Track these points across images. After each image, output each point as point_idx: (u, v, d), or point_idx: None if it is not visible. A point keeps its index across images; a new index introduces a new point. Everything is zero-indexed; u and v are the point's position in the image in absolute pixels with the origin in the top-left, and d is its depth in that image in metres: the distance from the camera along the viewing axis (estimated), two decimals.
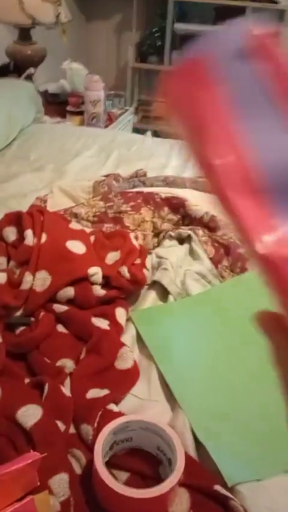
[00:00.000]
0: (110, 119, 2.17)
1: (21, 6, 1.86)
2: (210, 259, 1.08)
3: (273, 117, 0.20)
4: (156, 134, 2.62)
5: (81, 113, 2.07)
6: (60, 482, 0.62)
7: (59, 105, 2.17)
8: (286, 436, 0.73)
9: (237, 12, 2.86)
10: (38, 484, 0.60)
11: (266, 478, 0.67)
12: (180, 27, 3.01)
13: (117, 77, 3.28)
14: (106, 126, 2.10)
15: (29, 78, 2.06)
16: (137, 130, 2.67)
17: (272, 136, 0.20)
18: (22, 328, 0.92)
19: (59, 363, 0.84)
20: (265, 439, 0.74)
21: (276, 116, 0.20)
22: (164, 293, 1.03)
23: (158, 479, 0.67)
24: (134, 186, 1.29)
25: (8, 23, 1.98)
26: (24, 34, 2.04)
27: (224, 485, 0.66)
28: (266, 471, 0.68)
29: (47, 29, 2.03)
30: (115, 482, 0.59)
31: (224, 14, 2.97)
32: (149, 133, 2.65)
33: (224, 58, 0.22)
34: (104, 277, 0.98)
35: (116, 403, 0.79)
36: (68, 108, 2.11)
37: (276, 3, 2.74)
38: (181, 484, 0.64)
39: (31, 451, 0.64)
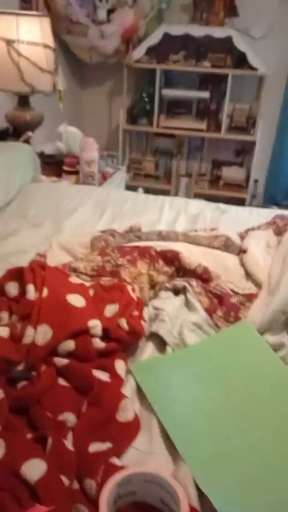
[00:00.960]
0: (104, 178, 2.28)
1: (21, 76, 2.00)
2: (205, 309, 1.12)
3: None
4: (147, 191, 2.74)
5: (76, 173, 2.18)
6: None
7: (55, 165, 2.29)
8: None
9: (219, 78, 3.10)
10: None
11: None
12: (167, 93, 3.23)
13: (109, 138, 3.47)
14: (100, 184, 2.20)
15: (27, 141, 2.18)
16: (129, 187, 2.79)
17: None
18: (24, 382, 0.93)
19: (60, 417, 0.85)
20: (268, 487, 0.74)
21: None
22: (161, 344, 1.05)
23: None
24: (130, 241, 1.35)
25: (9, 91, 2.12)
26: (23, 101, 2.18)
27: None
28: None
29: (45, 96, 2.17)
30: None
31: (207, 80, 3.21)
32: (140, 189, 2.77)
33: None
34: (103, 329, 1.01)
35: (118, 456, 0.79)
36: (64, 167, 2.22)
37: (256, 70, 2.96)
38: None
39: (36, 504, 0.64)
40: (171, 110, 3.34)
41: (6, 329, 0.99)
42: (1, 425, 0.79)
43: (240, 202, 3.11)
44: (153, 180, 3.49)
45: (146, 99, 3.27)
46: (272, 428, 0.85)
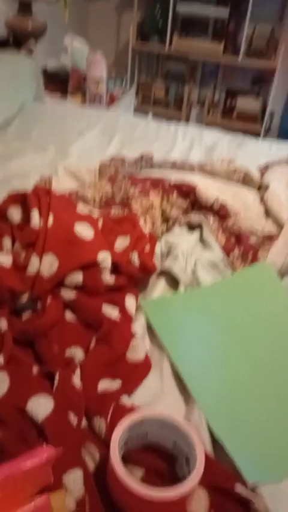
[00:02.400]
0: (112, 100, 2.11)
1: None
2: (222, 248, 1.05)
3: None
4: (156, 117, 2.56)
5: (82, 92, 2.00)
6: (74, 479, 0.59)
7: (59, 82, 2.10)
8: None
9: None
10: (52, 481, 0.56)
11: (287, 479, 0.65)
12: (183, 8, 2.93)
13: (116, 57, 3.19)
14: (108, 107, 2.03)
15: (29, 52, 1.98)
16: (137, 113, 2.60)
17: None
18: (28, 314, 0.88)
19: (68, 352, 0.81)
20: (283, 436, 0.71)
21: None
22: (173, 282, 1.00)
23: (174, 477, 0.65)
24: (142, 170, 1.24)
25: None
26: (25, 7, 1.95)
27: (244, 484, 0.63)
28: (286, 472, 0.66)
29: (48, 5, 1.94)
30: (134, 482, 0.56)
31: None
32: (150, 115, 2.59)
33: None
34: (113, 263, 0.94)
35: (129, 395, 0.76)
36: (69, 87, 2.04)
37: None
38: (199, 482, 0.61)
39: (44, 445, 0.61)
40: (185, 29, 3.05)
41: (10, 257, 0.92)
42: (5, 358, 0.75)
43: (253, 135, 2.94)
44: (162, 107, 3.27)
45: (158, 15, 2.97)
46: (286, 375, 0.82)
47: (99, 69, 1.88)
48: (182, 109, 3.22)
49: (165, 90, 3.26)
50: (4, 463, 0.51)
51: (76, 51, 2.06)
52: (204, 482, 0.62)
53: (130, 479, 0.56)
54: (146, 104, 3.25)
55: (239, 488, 0.61)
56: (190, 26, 3.05)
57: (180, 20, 3.02)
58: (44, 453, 0.54)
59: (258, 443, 0.70)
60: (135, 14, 2.94)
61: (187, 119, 3.26)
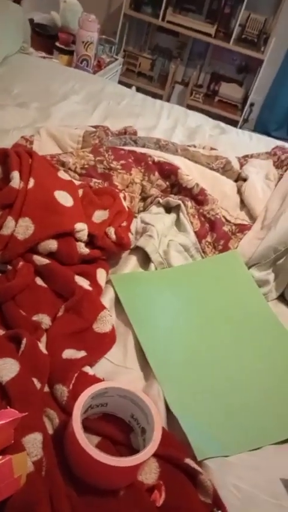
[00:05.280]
0: (99, 66, 2.05)
1: None
2: (195, 232, 1.07)
3: None
4: (138, 91, 2.51)
5: (70, 52, 1.93)
6: (34, 441, 0.60)
7: (46, 38, 2.01)
8: (254, 414, 0.76)
9: None
10: (12, 442, 0.58)
11: (233, 454, 0.69)
12: None
13: (106, 21, 3.07)
14: (94, 72, 1.98)
15: (18, 2, 1.87)
16: (120, 83, 2.54)
17: None
18: None
19: (35, 318, 0.81)
20: (235, 415, 0.76)
21: None
22: (145, 260, 1.01)
23: (128, 446, 0.68)
24: (125, 144, 1.23)
25: None
26: None
27: (193, 458, 0.67)
28: (233, 448, 0.70)
29: None
30: (93, 448, 0.58)
31: None
32: (133, 88, 2.54)
33: None
34: (90, 235, 0.94)
35: (91, 366, 0.77)
36: (57, 44, 1.96)
37: None
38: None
39: (7, 407, 0.62)
40: (179, 5, 2.98)
41: None
42: None
43: (231, 124, 2.96)
44: (146, 81, 3.21)
45: None
46: (246, 360, 0.86)
47: (90, 31, 1.82)
48: (166, 86, 3.18)
49: (151, 64, 3.20)
50: None
51: (69, 9, 1.97)
52: (156, 452, 0.65)
53: (89, 446, 0.58)
54: (130, 74, 3.18)
55: (187, 461, 0.65)
56: (185, 2, 2.99)
57: None
58: (9, 415, 0.55)
59: (210, 422, 0.74)
60: None
61: (168, 97, 3.23)
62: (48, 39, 2.00)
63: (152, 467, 0.66)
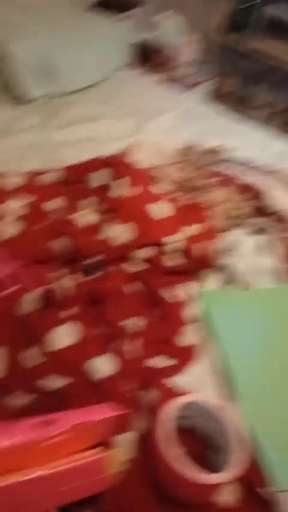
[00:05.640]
0: (192, 85, 2.09)
1: None
2: (281, 256, 1.06)
3: None
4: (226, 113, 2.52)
5: (167, 70, 1.99)
6: (128, 440, 0.62)
7: (147, 56, 2.08)
8: None
9: None
10: (109, 438, 0.60)
11: None
12: (270, 10, 2.84)
13: (206, 43, 3.11)
14: (189, 90, 2.02)
15: (123, 21, 1.97)
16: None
17: None
18: (91, 277, 0.91)
19: (123, 322, 0.84)
20: None
21: None
22: (229, 279, 1.01)
23: (205, 463, 0.68)
24: (217, 163, 1.25)
25: None
26: None
27: (271, 486, 0.66)
28: None
29: None
30: (178, 460, 0.59)
31: None
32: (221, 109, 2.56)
33: None
34: (178, 249, 0.96)
35: (173, 376, 0.79)
36: (154, 62, 2.03)
37: None
38: None
39: (105, 402, 0.64)
40: (270, 31, 2.97)
41: (88, 219, 0.95)
42: (73, 312, 0.78)
43: None
44: (232, 104, 3.22)
45: (245, 12, 2.89)
46: None
47: (190, 52, 1.87)
48: (251, 110, 3.17)
49: (238, 88, 3.21)
50: (74, 410, 0.55)
51: (170, 27, 2.04)
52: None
53: (176, 459, 0.59)
54: (217, 98, 3.20)
55: (266, 489, 0.64)
56: (275, 29, 2.98)
57: (266, 21, 2.94)
58: (112, 411, 0.57)
59: None
60: (224, 4, 2.86)
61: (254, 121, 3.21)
62: (148, 57, 2.07)
63: (231, 489, 0.66)
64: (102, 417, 0.55)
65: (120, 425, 0.62)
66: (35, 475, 0.47)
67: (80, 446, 0.55)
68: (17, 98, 1.48)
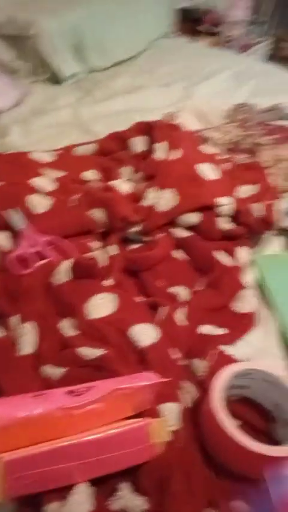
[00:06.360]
0: (246, 47, 1.96)
1: None
2: None
3: None
4: None
5: (215, 34, 1.88)
6: (171, 410, 0.57)
7: (192, 22, 1.98)
8: None
9: None
10: (150, 407, 0.55)
11: None
12: None
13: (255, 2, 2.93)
14: (240, 53, 1.90)
15: None
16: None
17: None
18: (136, 245, 0.86)
19: (172, 289, 0.78)
20: None
21: None
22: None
23: (269, 437, 0.61)
24: (280, 119, 1.14)
25: None
26: None
27: None
28: None
29: None
30: (234, 429, 0.53)
31: None
32: None
33: None
34: (233, 210, 0.88)
35: (228, 344, 0.72)
36: (202, 27, 1.92)
37: None
38: None
39: (144, 372, 0.60)
40: None
41: (128, 185, 0.90)
42: (114, 281, 0.74)
43: None
44: None
45: None
46: None
47: (240, 11, 1.74)
48: None
49: None
50: (113, 379, 0.51)
51: None
52: None
53: (231, 426, 0.53)
54: (275, 58, 3.00)
55: None
56: None
57: None
58: (151, 378, 0.52)
59: None
60: None
61: None
62: (193, 22, 1.97)
63: None
64: (143, 383, 0.50)
65: (165, 394, 0.57)
66: (66, 443, 0.44)
67: (120, 415, 0.50)
68: (53, 76, 1.46)
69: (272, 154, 1.01)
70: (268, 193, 0.92)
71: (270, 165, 1.00)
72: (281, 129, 1.05)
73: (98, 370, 0.59)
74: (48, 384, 0.60)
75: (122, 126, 1.07)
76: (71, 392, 0.50)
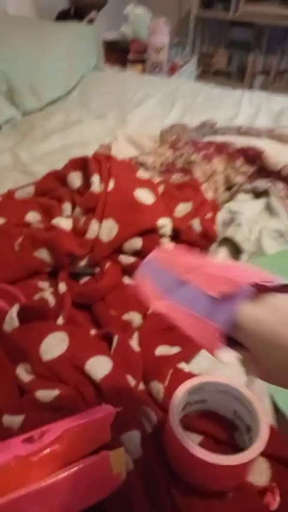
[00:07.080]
0: (172, 70, 2.04)
1: None
2: None
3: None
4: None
5: (142, 62, 1.95)
6: (132, 439, 0.58)
7: (119, 53, 2.06)
8: None
9: None
10: (110, 439, 0.56)
11: None
12: None
13: (178, 25, 3.07)
14: (168, 76, 1.97)
15: (91, 21, 1.95)
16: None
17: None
18: (86, 278, 0.88)
19: (125, 316, 0.80)
20: None
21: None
22: (235, 251, 0.95)
23: (234, 446, 0.62)
24: (204, 136, 1.19)
25: None
26: None
27: None
28: None
29: None
30: (194, 446, 0.54)
31: None
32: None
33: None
34: (174, 230, 0.91)
35: (186, 362, 0.73)
36: (129, 56, 2.00)
37: None
38: (262, 453, 0.58)
39: (103, 404, 0.60)
40: None
41: (69, 222, 0.92)
42: (64, 319, 0.75)
43: None
44: (223, 78, 3.14)
45: None
46: None
47: (161, 36, 1.82)
48: (245, 79, 3.08)
49: (228, 59, 3.12)
50: (68, 418, 0.51)
51: (138, 19, 2.01)
52: (266, 453, 0.59)
53: (189, 443, 0.54)
54: (206, 74, 3.13)
55: None
56: None
57: None
58: (104, 411, 0.53)
59: None
60: None
61: (249, 89, 3.12)
62: (120, 53, 2.05)
63: (262, 468, 0.59)
64: (93, 418, 0.51)
65: (126, 422, 0.58)
66: (23, 491, 0.44)
67: (78, 454, 0.50)
68: None
69: (205, 169, 1.05)
70: (204, 208, 0.96)
71: (203, 181, 1.04)
72: (209, 145, 1.09)
73: (57, 410, 0.60)
74: (11, 434, 0.59)
75: (61, 163, 1.09)
76: (27, 439, 0.50)
